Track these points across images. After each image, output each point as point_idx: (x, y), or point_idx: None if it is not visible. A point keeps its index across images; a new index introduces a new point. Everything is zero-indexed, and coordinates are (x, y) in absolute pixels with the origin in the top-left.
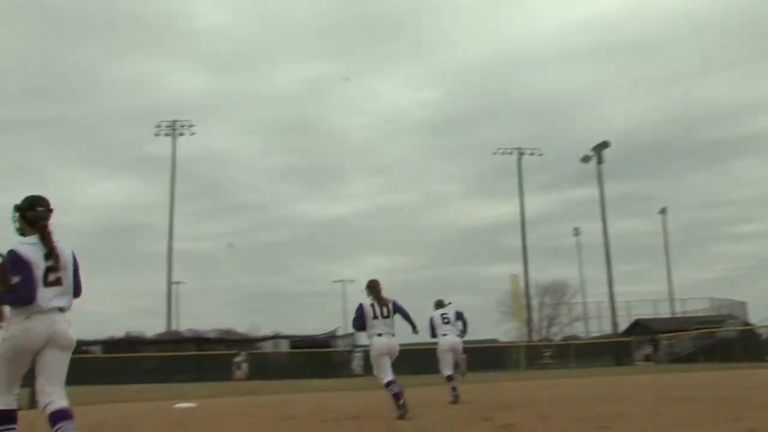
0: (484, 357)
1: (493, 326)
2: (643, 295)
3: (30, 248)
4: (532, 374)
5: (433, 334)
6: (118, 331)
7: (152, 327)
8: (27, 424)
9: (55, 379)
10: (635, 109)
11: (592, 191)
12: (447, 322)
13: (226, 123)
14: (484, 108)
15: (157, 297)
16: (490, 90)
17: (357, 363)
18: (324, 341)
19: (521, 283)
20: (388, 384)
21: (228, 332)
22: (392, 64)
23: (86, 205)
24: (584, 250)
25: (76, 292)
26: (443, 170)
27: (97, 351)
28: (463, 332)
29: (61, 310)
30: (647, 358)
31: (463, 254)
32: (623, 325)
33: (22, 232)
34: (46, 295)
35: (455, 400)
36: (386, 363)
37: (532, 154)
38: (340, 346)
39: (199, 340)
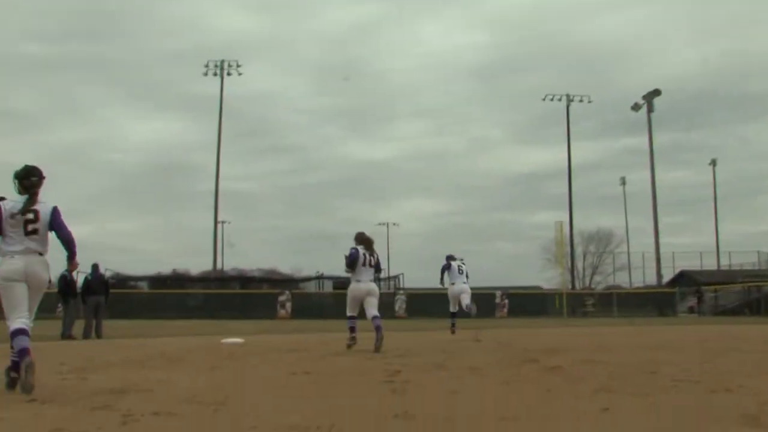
0: (526, 303)
1: (536, 273)
2: (689, 247)
3: (15, 205)
4: (574, 322)
5: (442, 279)
6: (165, 268)
7: (198, 265)
8: (82, 354)
9: (28, 309)
10: (688, 57)
11: (641, 140)
12: (461, 273)
13: (273, 64)
14: (534, 53)
15: (203, 235)
16: (540, 35)
17: (400, 305)
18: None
19: (566, 230)
20: (351, 317)
21: (272, 272)
22: (441, 6)
23: (135, 143)
24: (630, 200)
25: (66, 238)
26: (489, 115)
27: (143, 286)
28: (461, 283)
29: (40, 254)
30: (691, 310)
31: (508, 200)
32: (668, 276)
33: (20, 193)
34: (27, 243)
35: (454, 331)
36: (361, 302)
37: (581, 101)
38: (383, 288)
39: (243, 279)
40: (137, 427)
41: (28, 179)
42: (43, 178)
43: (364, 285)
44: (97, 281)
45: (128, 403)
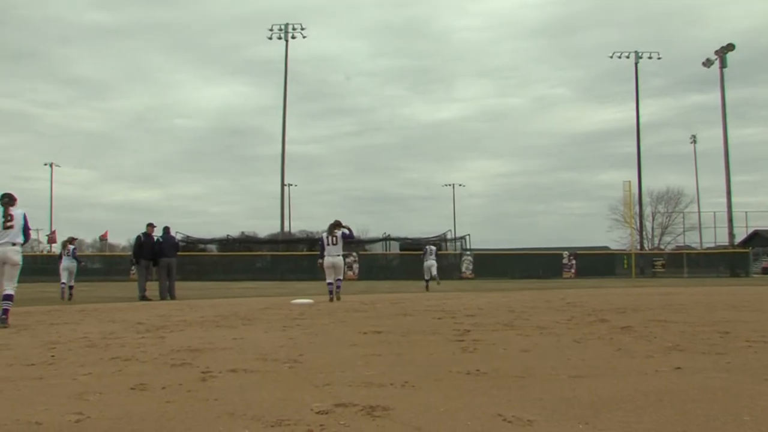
0: (594, 263)
1: (604, 233)
2: (763, 206)
3: None
4: (643, 282)
5: (424, 257)
6: (233, 231)
7: (265, 227)
8: (157, 314)
9: (8, 280)
10: (761, 9)
11: (711, 97)
12: (431, 254)
13: (335, 26)
14: (600, 8)
15: (270, 198)
16: None
17: (467, 266)
18: (434, 244)
19: (635, 189)
20: (329, 283)
21: None
22: None
23: (200, 108)
24: (701, 158)
25: (26, 235)
26: (554, 74)
27: (213, 249)
28: (436, 259)
29: (13, 244)
30: (765, 271)
31: (574, 160)
32: (740, 237)
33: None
34: (3, 236)
35: (427, 289)
36: (330, 271)
37: (650, 57)
38: (450, 249)
39: (310, 241)
40: (216, 383)
41: (2, 200)
42: (14, 199)
43: (330, 259)
44: (168, 244)
45: (206, 360)
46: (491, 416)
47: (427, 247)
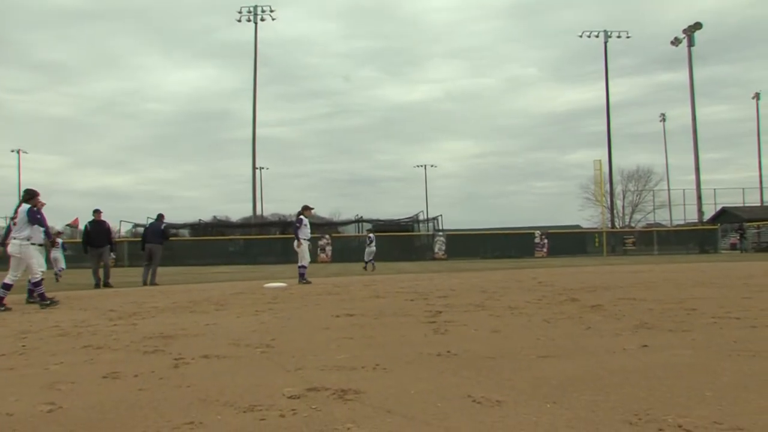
0: (565, 242)
1: (576, 212)
2: (731, 183)
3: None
4: (614, 260)
5: (368, 244)
6: (205, 215)
7: (238, 211)
8: (134, 299)
9: (12, 270)
10: None
11: (680, 75)
12: (372, 241)
13: (306, 7)
14: None
15: (242, 182)
16: None
17: (439, 247)
18: (406, 225)
19: (605, 168)
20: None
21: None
22: None
23: (170, 92)
24: (670, 137)
25: (42, 225)
26: (525, 54)
27: (185, 234)
28: (373, 247)
29: (16, 239)
30: (733, 247)
31: (545, 139)
32: (709, 214)
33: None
34: (13, 231)
35: (370, 269)
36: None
37: (619, 36)
38: (423, 230)
39: (283, 224)
40: (189, 370)
41: (23, 197)
42: (28, 197)
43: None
44: (152, 230)
45: (178, 347)
46: (461, 397)
47: (369, 235)
